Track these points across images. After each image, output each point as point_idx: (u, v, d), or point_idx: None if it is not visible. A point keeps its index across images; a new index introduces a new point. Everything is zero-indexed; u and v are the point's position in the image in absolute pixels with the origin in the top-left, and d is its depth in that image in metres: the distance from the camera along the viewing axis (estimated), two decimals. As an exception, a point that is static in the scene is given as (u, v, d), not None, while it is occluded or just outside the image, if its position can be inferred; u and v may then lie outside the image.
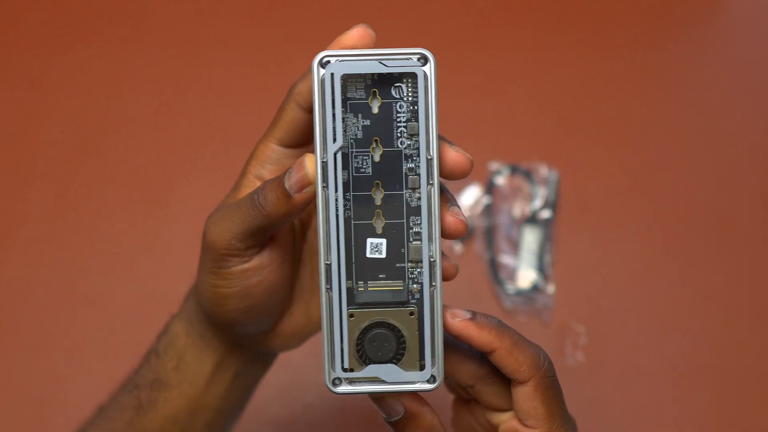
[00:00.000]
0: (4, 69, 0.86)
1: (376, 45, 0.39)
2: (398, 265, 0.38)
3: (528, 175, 0.78)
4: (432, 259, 0.38)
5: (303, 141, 0.42)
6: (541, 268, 0.74)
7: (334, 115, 0.37)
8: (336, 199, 0.37)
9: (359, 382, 0.38)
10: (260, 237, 0.41)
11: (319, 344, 0.38)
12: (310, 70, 0.38)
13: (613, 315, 0.72)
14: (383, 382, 0.38)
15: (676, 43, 0.88)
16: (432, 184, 0.37)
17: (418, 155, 0.37)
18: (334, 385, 0.38)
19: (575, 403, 0.70)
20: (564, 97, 0.84)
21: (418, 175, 0.38)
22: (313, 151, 0.38)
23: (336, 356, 0.38)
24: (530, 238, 0.75)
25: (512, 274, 0.74)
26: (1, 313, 0.71)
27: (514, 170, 0.78)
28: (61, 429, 0.66)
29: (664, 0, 0.90)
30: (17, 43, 0.88)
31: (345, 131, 0.37)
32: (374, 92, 0.37)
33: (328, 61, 0.37)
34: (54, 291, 0.72)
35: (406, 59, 0.37)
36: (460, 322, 0.37)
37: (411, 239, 0.38)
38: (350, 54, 0.37)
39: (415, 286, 0.38)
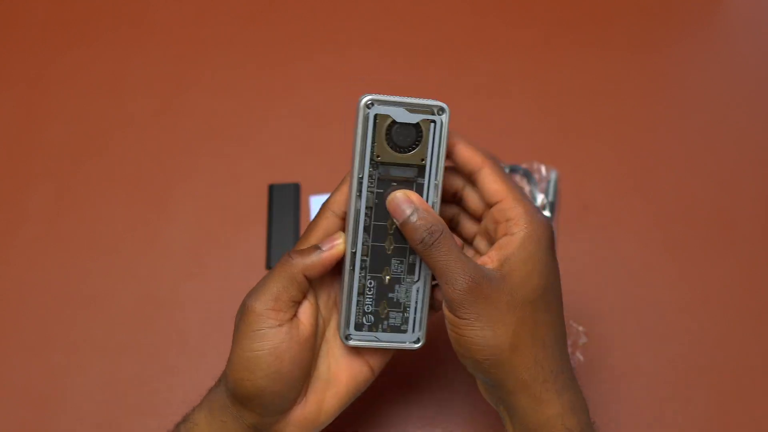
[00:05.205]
0: (4, 69, 0.86)
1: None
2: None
3: (528, 175, 0.78)
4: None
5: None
6: (541, 268, 0.74)
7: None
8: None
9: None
10: (293, 296, 0.49)
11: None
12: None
13: (613, 315, 0.72)
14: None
15: (676, 43, 0.88)
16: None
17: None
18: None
19: (575, 403, 0.70)
20: (564, 97, 0.84)
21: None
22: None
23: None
24: (530, 238, 0.75)
25: (512, 274, 0.74)
26: (1, 313, 0.71)
27: (514, 170, 0.78)
28: (61, 429, 0.66)
29: (664, 0, 0.91)
30: (17, 43, 0.88)
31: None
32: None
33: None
34: (54, 291, 0.73)
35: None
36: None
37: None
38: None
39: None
